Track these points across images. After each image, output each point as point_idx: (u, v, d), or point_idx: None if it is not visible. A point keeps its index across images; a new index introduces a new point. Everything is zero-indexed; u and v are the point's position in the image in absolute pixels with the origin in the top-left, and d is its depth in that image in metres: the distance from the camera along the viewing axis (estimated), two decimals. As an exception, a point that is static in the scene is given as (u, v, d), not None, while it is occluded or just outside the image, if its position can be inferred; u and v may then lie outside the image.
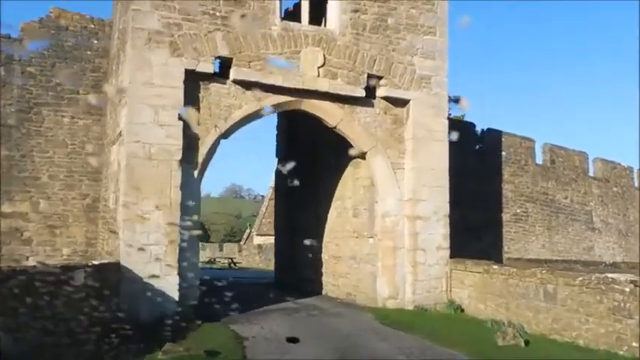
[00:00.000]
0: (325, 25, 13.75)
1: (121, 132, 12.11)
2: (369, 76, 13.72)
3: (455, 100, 17.46)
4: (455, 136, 13.98)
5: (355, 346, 9.75)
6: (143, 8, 11.62)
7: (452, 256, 14.37)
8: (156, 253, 11.22)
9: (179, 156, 11.62)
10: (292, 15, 14.39)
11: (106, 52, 15.39)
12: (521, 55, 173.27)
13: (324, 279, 16.90)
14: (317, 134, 15.77)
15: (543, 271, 10.76)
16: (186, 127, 11.84)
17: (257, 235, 48.64)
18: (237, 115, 12.55)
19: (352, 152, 14.10)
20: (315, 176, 16.64)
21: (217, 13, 12.28)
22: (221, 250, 42.68)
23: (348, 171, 15.72)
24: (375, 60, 13.79)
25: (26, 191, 14.28)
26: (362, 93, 13.59)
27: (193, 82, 12.12)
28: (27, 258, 13.92)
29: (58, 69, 14.68)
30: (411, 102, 14.23)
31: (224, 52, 12.34)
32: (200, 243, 44.45)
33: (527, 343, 9.77)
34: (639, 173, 27.97)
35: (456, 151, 14.96)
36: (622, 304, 9.10)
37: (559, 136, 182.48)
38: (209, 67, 12.18)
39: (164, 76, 11.68)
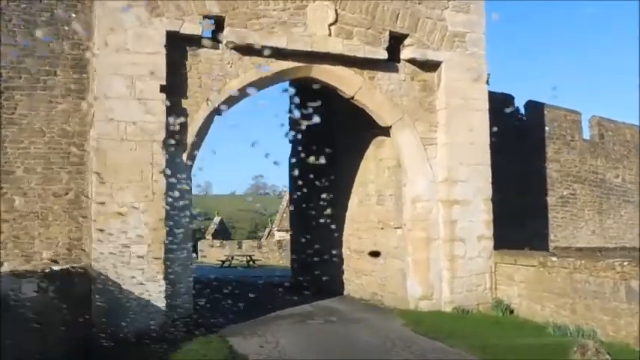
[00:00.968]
0: (336, -24, 11.51)
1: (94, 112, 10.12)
2: (392, 35, 11.45)
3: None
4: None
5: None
6: (113, -42, 9.58)
7: (495, 247, 12.10)
8: (137, 254, 9.20)
9: (162, 136, 9.56)
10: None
11: (88, 25, 13.39)
12: (557, 17, 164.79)
13: (346, 277, 14.76)
14: (332, 109, 13.60)
15: (625, 263, 8.38)
16: (171, 100, 9.76)
17: (277, 230, 46.83)
18: (233, 85, 10.43)
19: (378, 125, 11.84)
20: (332, 160, 14.42)
21: (204, -38, 10.17)
22: (240, 247, 40.84)
23: (370, 151, 13.51)
24: (397, 15, 11.50)
25: (-2, 188, 12.35)
26: (383, 55, 11.34)
27: (178, 47, 10.03)
28: (0, 264, 12.03)
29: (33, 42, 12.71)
30: (442, 64, 11.93)
31: (214, 10, 10.22)
32: (219, 241, 42.98)
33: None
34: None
35: (493, 126, 12.63)
36: None
37: (606, 108, 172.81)
38: (196, 28, 10.06)
39: (141, 41, 9.62)
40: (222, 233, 57.31)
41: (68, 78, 12.71)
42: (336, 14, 10.94)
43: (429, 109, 12.04)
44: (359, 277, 14.10)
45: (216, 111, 10.43)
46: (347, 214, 14.73)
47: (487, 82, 12.54)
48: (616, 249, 17.95)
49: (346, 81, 11.40)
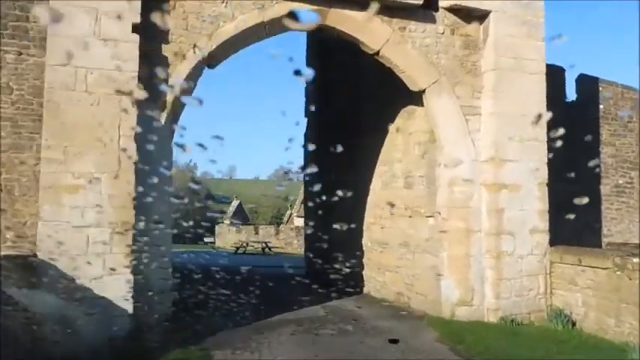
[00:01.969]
0: None
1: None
2: (428, -25, 9.16)
3: None
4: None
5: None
6: None
7: (551, 242, 9.83)
8: (96, 240, 7.16)
9: (133, 89, 7.46)
10: None
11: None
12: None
13: (366, 272, 12.60)
14: (354, 72, 11.40)
15: None
16: (147, 46, 7.66)
17: (297, 216, 44.95)
18: (229, 30, 8.26)
19: (408, 91, 9.61)
20: (352, 135, 12.22)
21: None
22: (257, 233, 38.92)
23: (398, 123, 11.24)
24: (437, -52, 9.20)
25: (-44, 155, 10.44)
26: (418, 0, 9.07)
27: (159, -21, 7.91)
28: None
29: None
30: (490, 15, 9.60)
31: None
32: (235, 226, 41.23)
33: None
34: None
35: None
36: None
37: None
38: (181, -47, 7.92)
39: (110, -33, 7.50)
40: (241, 218, 55.77)
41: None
42: (360, -56, 8.69)
43: (472, 70, 9.72)
44: (381, 274, 11.92)
45: (207, 62, 8.31)
46: (368, 198, 12.53)
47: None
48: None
49: (370, 31, 9.15)
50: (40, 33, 11.19)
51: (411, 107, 10.65)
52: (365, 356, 7.10)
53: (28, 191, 10.95)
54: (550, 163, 11.24)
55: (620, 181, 16.63)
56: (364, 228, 12.65)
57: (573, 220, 14.69)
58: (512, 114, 9.58)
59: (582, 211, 15.22)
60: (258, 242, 33.01)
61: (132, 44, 7.47)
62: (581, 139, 15.28)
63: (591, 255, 8.83)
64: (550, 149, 9.89)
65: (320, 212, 14.14)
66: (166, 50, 7.98)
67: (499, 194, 9.45)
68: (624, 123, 16.90)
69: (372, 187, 12.34)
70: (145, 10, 7.58)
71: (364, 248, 12.67)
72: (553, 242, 10.10)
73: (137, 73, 7.47)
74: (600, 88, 16.34)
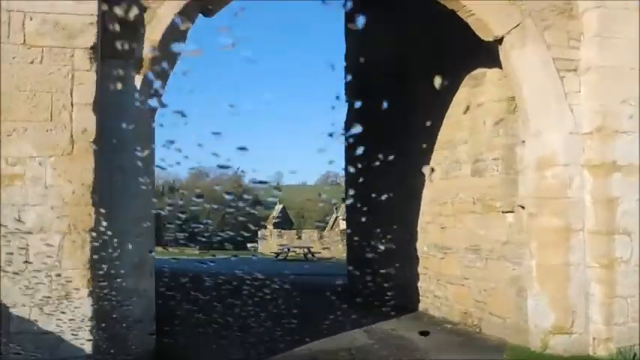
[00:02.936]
0: None
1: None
2: None
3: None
4: None
5: None
6: None
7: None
8: (39, 252, 5.05)
9: (91, 40, 5.32)
10: None
11: None
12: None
13: (422, 285, 10.12)
14: (404, 40, 9.04)
15: None
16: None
17: (342, 219, 42.66)
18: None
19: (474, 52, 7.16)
20: (401, 115, 9.77)
21: None
22: (299, 237, 36.96)
23: (462, 94, 8.77)
24: None
25: None
26: None
27: None
28: None
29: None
30: None
31: None
32: (277, 231, 39.54)
33: None
34: None
35: None
36: None
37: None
38: None
39: None
40: (285, 222, 54.25)
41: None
42: None
43: (565, 10, 7.13)
44: (442, 287, 9.43)
45: (200, 9, 6.10)
46: (423, 192, 10.07)
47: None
48: None
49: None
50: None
51: (479, 71, 8.21)
52: None
53: None
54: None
55: None
56: (418, 229, 10.20)
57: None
58: (624, 68, 6.96)
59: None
60: (301, 247, 31.09)
61: (89, -23, 5.35)
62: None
63: None
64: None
65: (363, 211, 11.62)
66: (141, -11, 5.82)
67: (610, 179, 6.84)
68: None
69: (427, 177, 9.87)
70: None
71: (419, 254, 10.22)
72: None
73: (96, 20, 5.32)
74: None
